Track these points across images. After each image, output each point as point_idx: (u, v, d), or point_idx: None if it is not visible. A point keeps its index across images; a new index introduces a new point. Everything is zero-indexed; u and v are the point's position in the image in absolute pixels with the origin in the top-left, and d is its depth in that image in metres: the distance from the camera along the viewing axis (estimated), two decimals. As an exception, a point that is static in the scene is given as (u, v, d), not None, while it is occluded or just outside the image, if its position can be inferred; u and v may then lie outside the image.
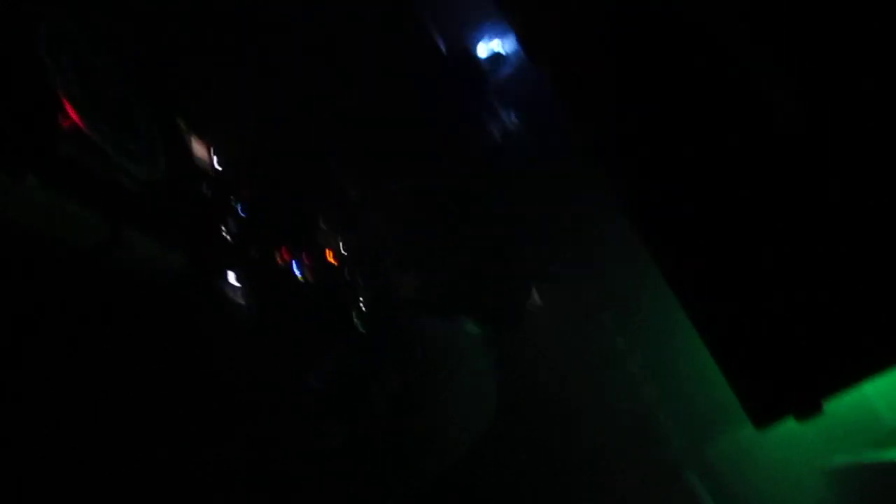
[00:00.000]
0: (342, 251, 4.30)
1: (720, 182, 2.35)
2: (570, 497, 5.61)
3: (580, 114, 2.62)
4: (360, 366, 2.98)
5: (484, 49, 5.92)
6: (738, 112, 2.32)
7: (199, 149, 3.56)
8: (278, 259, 3.72)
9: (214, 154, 3.65)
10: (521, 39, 2.86)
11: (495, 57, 5.93)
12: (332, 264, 4.09)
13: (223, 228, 3.40)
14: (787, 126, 2.24)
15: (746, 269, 2.28)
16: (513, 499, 4.96)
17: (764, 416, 2.22)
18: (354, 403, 2.88)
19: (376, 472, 2.91)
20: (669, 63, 2.42)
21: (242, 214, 3.60)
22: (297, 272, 3.78)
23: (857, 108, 2.18)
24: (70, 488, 2.25)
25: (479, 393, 3.11)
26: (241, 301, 3.28)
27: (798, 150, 2.24)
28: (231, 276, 3.29)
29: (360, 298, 4.09)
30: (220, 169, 3.64)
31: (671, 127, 2.43)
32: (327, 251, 4.19)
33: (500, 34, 5.89)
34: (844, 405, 5.46)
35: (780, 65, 2.29)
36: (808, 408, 2.19)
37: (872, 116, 2.16)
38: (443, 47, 5.71)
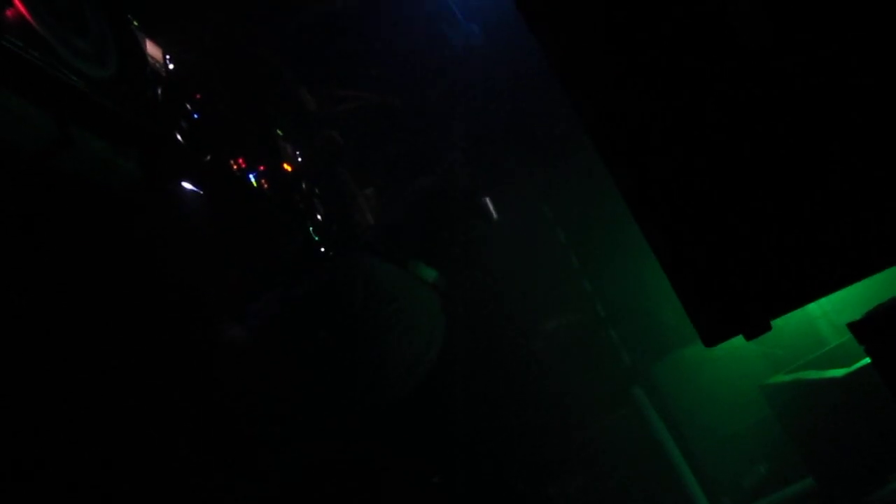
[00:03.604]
0: (298, 160, 4.25)
1: (680, 102, 2.34)
2: (523, 410, 5.74)
3: (544, 28, 2.58)
4: (295, 308, 2.99)
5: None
6: (701, 26, 2.30)
7: (153, 50, 3.44)
8: (233, 165, 3.65)
9: (169, 56, 3.54)
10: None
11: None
12: (288, 172, 4.03)
13: (177, 133, 3.32)
14: (752, 42, 2.23)
15: (703, 191, 2.30)
16: (471, 411, 5.06)
17: (714, 333, 2.26)
18: (287, 342, 2.90)
19: (329, 407, 2.94)
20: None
21: (196, 119, 3.51)
22: (252, 179, 3.72)
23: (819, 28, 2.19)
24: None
25: (426, 331, 3.14)
26: (195, 207, 3.23)
27: (760, 71, 2.24)
28: (185, 182, 3.23)
29: (316, 208, 4.06)
30: (174, 71, 3.52)
31: (636, 43, 2.40)
32: (283, 161, 4.13)
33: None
34: (789, 327, 5.66)
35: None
36: (757, 327, 2.23)
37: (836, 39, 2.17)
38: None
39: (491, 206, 5.95)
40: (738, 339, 2.31)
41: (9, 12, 2.28)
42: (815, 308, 5.73)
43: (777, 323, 2.27)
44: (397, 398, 3.11)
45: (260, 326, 2.97)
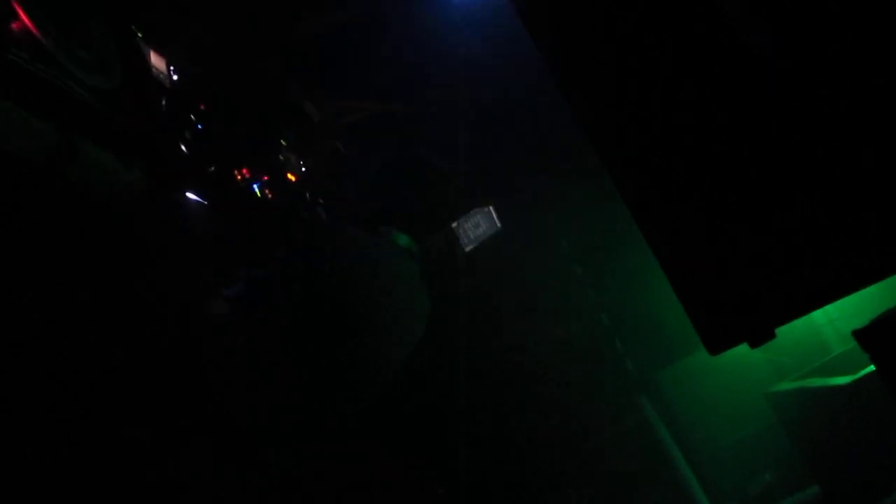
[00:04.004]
0: (302, 170, 4.26)
1: (683, 108, 2.34)
2: (527, 419, 5.73)
3: (544, 35, 2.58)
4: (271, 277, 2.98)
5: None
6: (701, 31, 2.31)
7: (156, 61, 3.46)
8: (237, 176, 3.66)
9: (173, 66, 3.55)
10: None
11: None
12: (292, 182, 4.04)
13: (181, 143, 3.33)
14: (753, 43, 2.24)
15: (706, 197, 2.30)
16: (474, 421, 5.06)
17: (718, 341, 2.26)
18: (262, 311, 2.89)
19: (314, 388, 2.93)
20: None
21: (200, 129, 3.52)
22: (255, 189, 3.73)
23: (822, 41, 2.19)
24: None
25: (409, 302, 3.13)
26: (199, 218, 3.24)
27: (762, 74, 2.24)
28: (189, 193, 3.24)
29: (320, 218, 4.07)
30: (178, 83, 3.54)
31: (637, 51, 2.41)
32: (287, 171, 4.14)
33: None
34: (794, 335, 5.65)
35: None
36: (761, 334, 2.23)
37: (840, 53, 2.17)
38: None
39: (495, 216, 5.96)
40: (743, 347, 2.30)
41: (14, 25, 2.30)
42: (820, 315, 5.72)
43: (782, 330, 2.27)
44: (390, 371, 3.09)
45: (237, 296, 2.96)
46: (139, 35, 3.38)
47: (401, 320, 3.09)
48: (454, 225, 5.43)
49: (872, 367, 3.48)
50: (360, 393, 3.05)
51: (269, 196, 3.79)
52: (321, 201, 4.15)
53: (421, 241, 3.27)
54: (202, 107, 3.66)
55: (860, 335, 2.45)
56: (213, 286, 3.06)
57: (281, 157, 4.13)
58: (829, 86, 2.20)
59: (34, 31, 2.38)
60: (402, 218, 3.25)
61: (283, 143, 4.28)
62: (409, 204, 3.29)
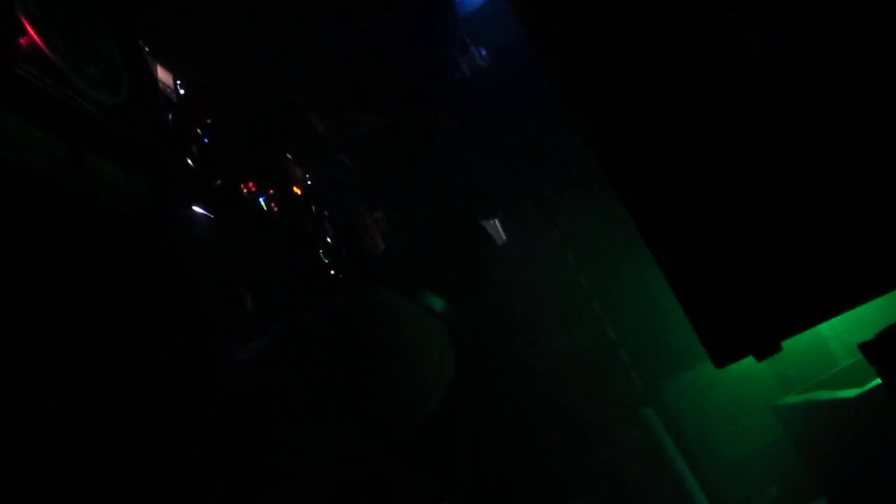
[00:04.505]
0: (308, 183, 4.27)
1: (687, 121, 2.34)
2: (533, 431, 5.72)
3: (546, 46, 2.59)
4: (299, 334, 2.97)
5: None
6: (710, 47, 2.31)
7: (163, 75, 3.48)
8: (243, 189, 3.68)
9: (179, 81, 3.57)
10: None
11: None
12: (298, 195, 4.06)
13: (188, 157, 3.35)
14: (760, 62, 2.24)
15: (712, 209, 2.30)
16: (480, 433, 5.05)
17: (724, 354, 2.25)
18: (290, 369, 2.88)
19: (335, 437, 2.92)
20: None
21: (207, 144, 3.54)
22: (262, 203, 3.74)
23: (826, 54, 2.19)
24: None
25: (435, 373, 3.10)
26: (206, 231, 3.25)
27: (766, 87, 2.25)
28: (195, 206, 3.25)
29: (326, 231, 4.07)
30: (184, 97, 3.56)
31: (643, 64, 2.41)
32: (293, 184, 4.15)
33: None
34: (800, 347, 5.63)
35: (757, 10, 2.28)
36: (767, 347, 2.23)
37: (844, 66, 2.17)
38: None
39: (500, 229, 5.96)
40: (749, 360, 2.30)
41: (22, 40, 2.32)
42: (826, 327, 5.70)
43: (788, 343, 2.26)
44: (405, 432, 3.10)
45: (262, 350, 2.96)
46: (146, 49, 3.40)
47: (424, 390, 3.07)
48: (491, 222, 5.41)
49: (878, 381, 3.47)
50: (369, 449, 3.05)
51: (275, 209, 3.80)
52: (326, 214, 4.16)
53: (454, 303, 3.26)
54: (208, 120, 3.68)
55: (866, 348, 2.44)
56: (233, 328, 3.07)
57: (287, 171, 4.15)
58: (837, 96, 2.20)
59: (42, 46, 2.39)
60: (442, 281, 3.22)
61: (289, 156, 4.30)
62: (451, 269, 3.27)
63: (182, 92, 3.57)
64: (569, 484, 5.92)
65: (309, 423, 2.84)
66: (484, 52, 5.81)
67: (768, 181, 2.27)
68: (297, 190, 4.11)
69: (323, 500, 3.03)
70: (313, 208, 4.16)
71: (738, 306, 2.25)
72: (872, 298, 2.18)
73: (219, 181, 3.50)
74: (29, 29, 2.34)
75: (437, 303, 3.24)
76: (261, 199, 3.79)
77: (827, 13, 2.22)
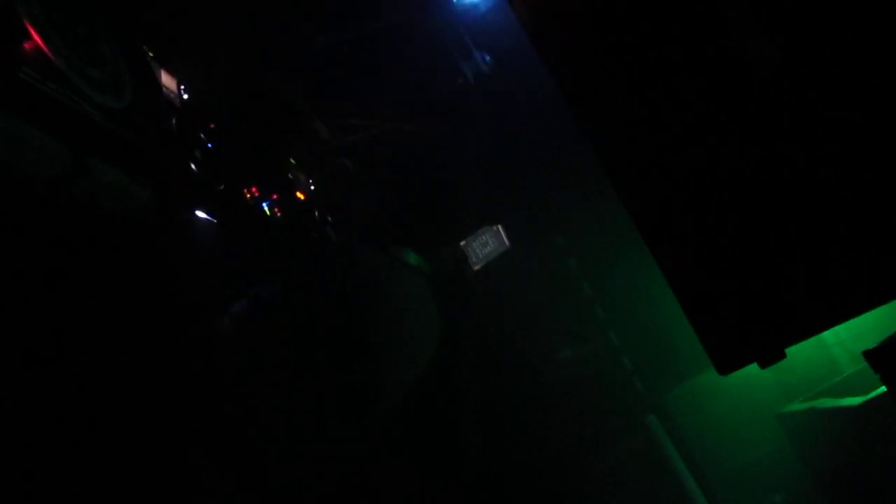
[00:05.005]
0: (311, 189, 4.26)
1: (694, 132, 2.34)
2: (537, 438, 5.71)
3: (551, 52, 2.59)
4: (278, 297, 2.97)
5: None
6: (717, 56, 2.31)
7: (167, 80, 3.48)
8: (247, 194, 3.67)
9: (183, 86, 3.57)
10: None
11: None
12: (301, 200, 4.05)
13: (191, 162, 3.34)
14: (762, 73, 2.24)
15: (716, 220, 2.29)
16: (484, 440, 5.04)
17: (728, 362, 2.25)
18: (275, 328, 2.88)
19: (320, 408, 2.91)
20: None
21: (210, 148, 3.54)
22: (265, 208, 3.74)
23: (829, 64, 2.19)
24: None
25: (420, 323, 3.11)
26: (209, 235, 3.24)
27: (772, 104, 2.24)
28: (198, 211, 3.25)
29: (328, 236, 4.07)
30: (188, 101, 3.56)
31: (647, 73, 2.41)
32: (296, 190, 4.15)
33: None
34: (804, 355, 5.61)
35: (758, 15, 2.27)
36: (771, 355, 2.22)
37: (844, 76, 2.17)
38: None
39: (504, 236, 5.96)
40: (752, 367, 2.29)
41: (27, 45, 2.32)
42: (830, 336, 5.68)
43: (791, 351, 2.26)
44: (404, 386, 3.08)
45: (246, 312, 2.96)
46: (150, 54, 3.40)
47: (411, 342, 3.07)
48: (462, 243, 5.43)
49: (883, 388, 3.46)
50: (368, 413, 3.03)
51: (279, 214, 3.79)
52: (330, 219, 4.15)
53: (431, 259, 3.27)
54: (212, 125, 3.68)
55: (871, 356, 2.44)
56: (219, 302, 3.07)
57: (290, 176, 4.14)
58: (840, 99, 2.20)
59: (45, 50, 2.39)
60: (413, 236, 3.24)
61: (293, 161, 4.30)
62: (419, 222, 3.29)
63: (186, 97, 3.57)
64: (574, 489, 5.91)
65: (297, 384, 2.84)
66: (488, 58, 5.81)
67: (774, 191, 2.26)
68: (300, 195, 4.11)
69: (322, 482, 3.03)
70: (316, 213, 4.16)
71: (742, 314, 2.24)
72: (876, 307, 2.17)
73: (222, 186, 3.50)
74: (32, 33, 2.34)
75: (413, 257, 3.26)
76: (264, 204, 3.78)
77: (831, 20, 2.21)
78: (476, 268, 5.52)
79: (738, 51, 2.30)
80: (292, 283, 3.10)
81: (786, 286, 2.22)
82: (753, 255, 2.25)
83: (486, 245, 5.82)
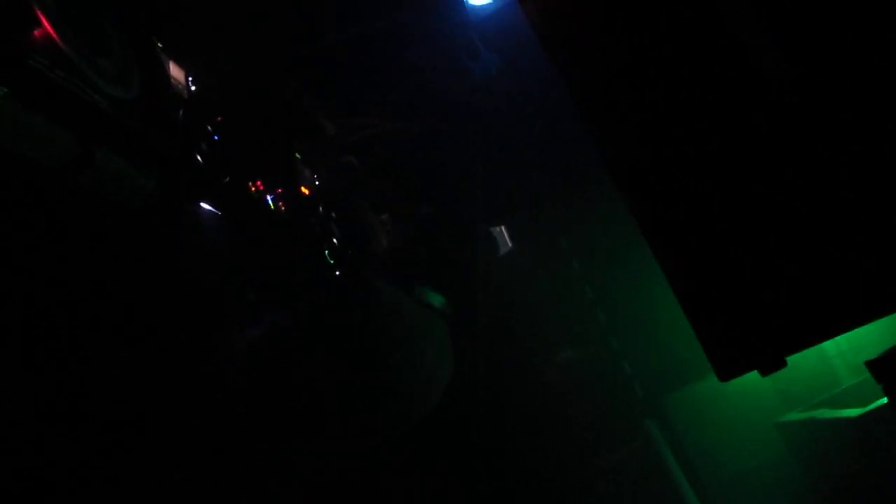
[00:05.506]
0: (316, 184, 4.26)
1: (700, 136, 2.34)
2: (535, 441, 5.71)
3: (560, 54, 2.59)
4: (296, 326, 2.96)
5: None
6: (721, 62, 2.31)
7: (175, 71, 3.48)
8: (251, 187, 3.68)
9: (191, 77, 3.58)
10: None
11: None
12: (305, 196, 4.05)
13: (197, 154, 3.35)
14: (774, 83, 2.23)
15: (721, 225, 2.29)
16: (482, 442, 5.04)
17: (729, 368, 2.24)
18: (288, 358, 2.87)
19: (336, 432, 2.91)
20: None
21: (217, 141, 3.54)
22: (269, 202, 3.74)
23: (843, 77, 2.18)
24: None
25: (434, 366, 3.10)
26: (213, 228, 3.25)
27: (779, 104, 2.24)
28: (203, 203, 3.25)
29: (332, 232, 4.07)
30: (196, 94, 3.56)
31: (656, 75, 2.41)
32: (301, 184, 4.15)
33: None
34: (804, 366, 5.61)
35: (769, 26, 2.27)
36: (772, 362, 2.22)
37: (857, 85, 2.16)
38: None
39: (507, 236, 5.96)
40: (753, 375, 2.29)
41: (36, 32, 2.32)
42: (831, 347, 5.67)
43: (792, 361, 2.25)
44: (408, 424, 3.09)
45: (261, 337, 2.96)
46: (159, 46, 3.41)
47: (424, 384, 3.07)
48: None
49: (883, 400, 3.45)
50: (372, 447, 3.03)
51: (283, 208, 3.80)
52: (333, 216, 4.16)
53: (452, 300, 3.26)
54: (219, 118, 3.68)
55: (873, 366, 2.43)
56: (235, 322, 3.07)
57: (295, 171, 4.15)
58: (848, 114, 2.20)
59: (55, 37, 2.40)
60: (437, 277, 3.23)
61: (298, 156, 4.30)
62: (447, 264, 3.27)
63: (193, 89, 3.57)
64: (570, 494, 5.90)
65: (307, 416, 2.83)
66: (496, 58, 5.80)
67: (779, 198, 2.26)
68: (304, 190, 4.11)
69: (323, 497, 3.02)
70: (320, 209, 4.16)
71: (745, 321, 2.24)
72: (879, 317, 2.16)
73: (227, 179, 3.50)
74: (43, 21, 2.34)
75: (436, 298, 3.25)
76: (268, 198, 3.79)
77: (837, 20, 2.21)
78: (505, 250, 5.49)
79: (748, 53, 2.30)
80: (310, 312, 3.09)
81: (790, 294, 2.22)
82: (758, 262, 2.25)
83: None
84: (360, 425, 2.91)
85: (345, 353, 2.86)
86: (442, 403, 3.41)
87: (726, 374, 2.25)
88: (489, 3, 5.69)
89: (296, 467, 2.86)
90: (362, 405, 2.89)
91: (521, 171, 6.29)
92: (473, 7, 5.73)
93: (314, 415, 2.85)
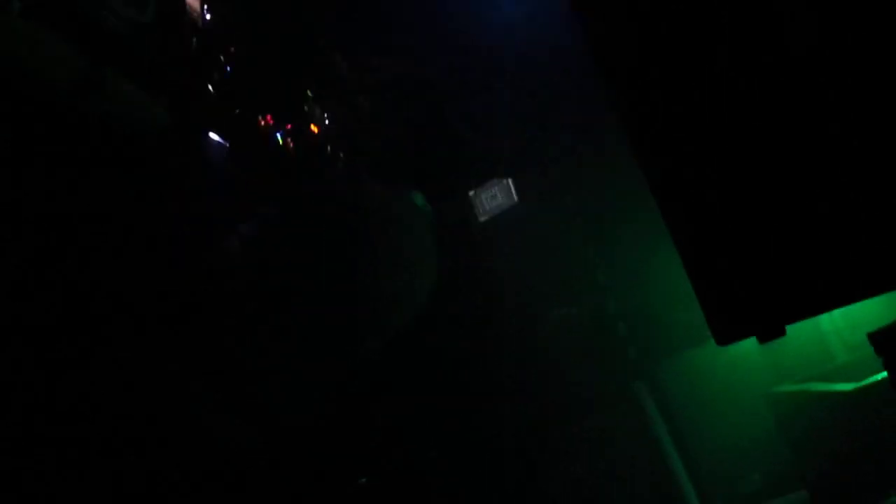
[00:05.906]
0: (326, 123, 4.23)
1: (716, 101, 2.31)
2: (523, 396, 5.75)
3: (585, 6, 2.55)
4: (285, 219, 2.97)
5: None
6: (746, 27, 2.27)
7: (191, 0, 3.43)
8: (261, 122, 3.65)
9: (207, 6, 3.53)
10: None
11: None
12: (315, 134, 4.02)
13: (208, 84, 3.32)
14: (795, 47, 2.20)
15: (732, 190, 2.28)
16: (479, 393, 5.08)
17: (728, 332, 2.24)
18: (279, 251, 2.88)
19: (312, 338, 2.92)
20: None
21: (229, 72, 3.51)
22: (278, 137, 3.72)
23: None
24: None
25: (417, 267, 3.11)
26: (220, 158, 3.23)
27: (803, 76, 2.21)
28: (212, 133, 3.23)
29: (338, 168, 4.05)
30: (211, 23, 3.52)
31: (677, 36, 2.37)
32: (311, 123, 4.12)
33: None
34: (800, 341, 5.62)
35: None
36: (771, 330, 2.21)
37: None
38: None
39: (513, 190, 5.93)
40: (747, 347, 2.29)
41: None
42: (827, 323, 5.68)
43: (788, 335, 2.25)
44: (386, 334, 3.10)
45: (252, 234, 2.96)
46: (175, -29, 3.36)
47: (406, 285, 3.08)
48: (471, 194, 5.40)
49: (877, 377, 3.46)
50: (352, 351, 3.05)
51: (291, 145, 3.78)
52: (342, 155, 4.14)
53: (433, 204, 3.26)
54: (232, 49, 3.64)
55: (875, 338, 2.43)
56: (228, 221, 3.06)
57: (306, 108, 4.11)
58: (865, 91, 2.17)
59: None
60: (421, 179, 3.23)
61: (309, 94, 4.26)
62: (430, 167, 3.27)
63: (209, 17, 3.52)
64: (556, 452, 5.95)
65: (298, 308, 2.85)
66: (515, 7, 5.71)
67: (789, 169, 2.24)
68: (314, 128, 4.08)
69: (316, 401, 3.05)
70: (329, 148, 4.14)
71: (748, 286, 2.23)
72: (881, 293, 2.16)
73: (237, 111, 3.48)
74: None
75: (416, 197, 3.26)
76: (277, 134, 3.77)
77: (873, 8, 2.17)
78: (482, 219, 5.51)
79: (776, 26, 2.27)
80: (298, 207, 3.09)
81: (794, 264, 2.22)
82: (766, 228, 2.24)
83: (494, 198, 5.80)
84: (347, 317, 2.92)
85: (328, 247, 2.86)
86: (431, 349, 3.42)
87: (724, 338, 2.25)
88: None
89: (284, 361, 2.89)
90: (350, 295, 2.90)
91: (534, 125, 6.24)
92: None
93: (303, 307, 2.87)
